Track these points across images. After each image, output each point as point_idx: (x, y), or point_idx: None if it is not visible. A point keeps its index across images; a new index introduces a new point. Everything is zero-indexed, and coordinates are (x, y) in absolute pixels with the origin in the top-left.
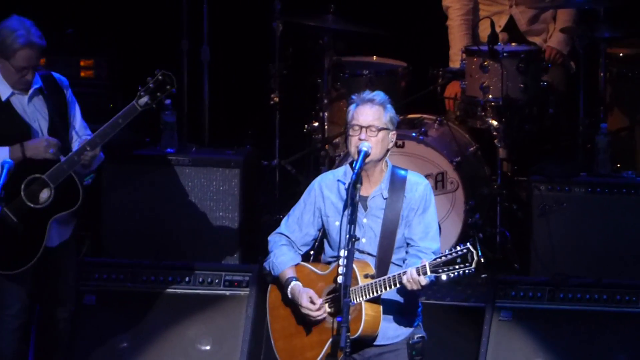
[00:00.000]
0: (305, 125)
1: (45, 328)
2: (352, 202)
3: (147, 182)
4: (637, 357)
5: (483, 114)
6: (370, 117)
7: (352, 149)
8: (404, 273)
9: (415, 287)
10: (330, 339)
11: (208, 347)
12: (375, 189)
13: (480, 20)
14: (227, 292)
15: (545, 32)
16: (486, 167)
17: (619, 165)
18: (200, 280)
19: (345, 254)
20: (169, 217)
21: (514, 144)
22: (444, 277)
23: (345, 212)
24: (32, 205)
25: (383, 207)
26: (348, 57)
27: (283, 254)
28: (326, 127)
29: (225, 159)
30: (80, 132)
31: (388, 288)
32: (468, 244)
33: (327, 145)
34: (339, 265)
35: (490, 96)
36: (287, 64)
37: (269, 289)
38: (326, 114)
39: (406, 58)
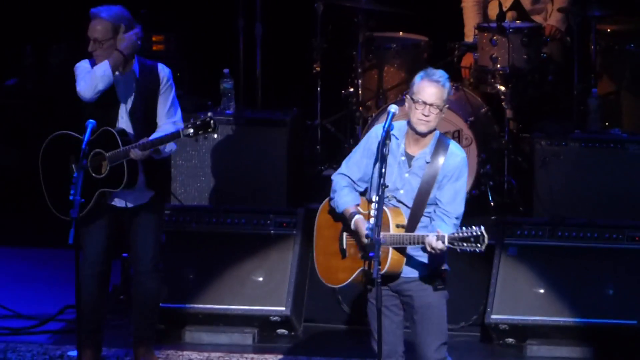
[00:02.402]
0: (343, 91)
1: (134, 282)
2: (383, 156)
3: (209, 139)
4: (623, 287)
5: (493, 80)
6: (434, 97)
7: (414, 119)
8: (427, 236)
9: (432, 251)
10: (360, 269)
11: (261, 279)
12: (421, 152)
13: (490, 1)
14: (277, 232)
15: (545, 12)
16: (496, 126)
17: (607, 123)
18: (254, 222)
19: (377, 199)
20: (228, 168)
21: (519, 106)
22: (457, 249)
23: (377, 164)
24: (92, 173)
25: (424, 168)
26: (379, 33)
27: (346, 195)
28: (360, 92)
29: (275, 119)
30: (164, 118)
31: (413, 244)
32: (482, 228)
33: (360, 108)
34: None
35: (498, 65)
36: (327, 39)
37: (319, 210)
38: (360, 81)
39: (428, 33)
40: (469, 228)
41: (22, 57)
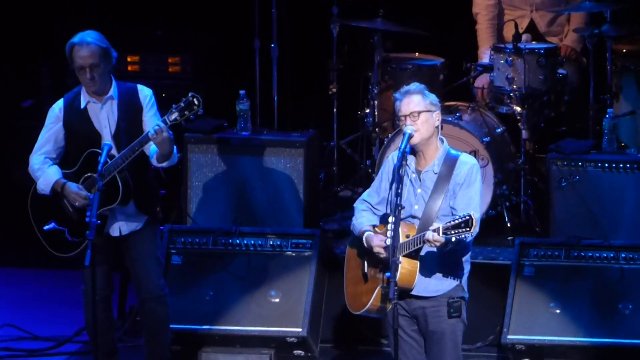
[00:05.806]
0: (359, 112)
1: (141, 310)
2: (399, 177)
3: (226, 160)
4: (638, 307)
5: (509, 101)
6: (411, 105)
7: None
8: (425, 233)
9: (432, 245)
10: (378, 287)
11: (277, 300)
12: (429, 165)
13: (505, 23)
14: (293, 253)
15: (561, 33)
16: (512, 146)
17: (623, 144)
18: (271, 243)
19: (393, 220)
20: (244, 190)
21: (535, 126)
22: (453, 238)
23: (394, 185)
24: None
25: (433, 180)
26: (395, 54)
27: (362, 217)
28: (376, 113)
29: (291, 140)
30: None
31: (416, 245)
32: (471, 212)
33: (377, 129)
34: (387, 230)
35: (514, 86)
36: (343, 60)
37: (347, 248)
38: (376, 102)
39: (444, 54)
40: (459, 216)
41: (38, 78)
